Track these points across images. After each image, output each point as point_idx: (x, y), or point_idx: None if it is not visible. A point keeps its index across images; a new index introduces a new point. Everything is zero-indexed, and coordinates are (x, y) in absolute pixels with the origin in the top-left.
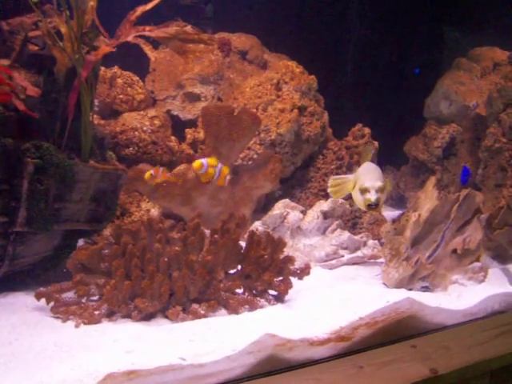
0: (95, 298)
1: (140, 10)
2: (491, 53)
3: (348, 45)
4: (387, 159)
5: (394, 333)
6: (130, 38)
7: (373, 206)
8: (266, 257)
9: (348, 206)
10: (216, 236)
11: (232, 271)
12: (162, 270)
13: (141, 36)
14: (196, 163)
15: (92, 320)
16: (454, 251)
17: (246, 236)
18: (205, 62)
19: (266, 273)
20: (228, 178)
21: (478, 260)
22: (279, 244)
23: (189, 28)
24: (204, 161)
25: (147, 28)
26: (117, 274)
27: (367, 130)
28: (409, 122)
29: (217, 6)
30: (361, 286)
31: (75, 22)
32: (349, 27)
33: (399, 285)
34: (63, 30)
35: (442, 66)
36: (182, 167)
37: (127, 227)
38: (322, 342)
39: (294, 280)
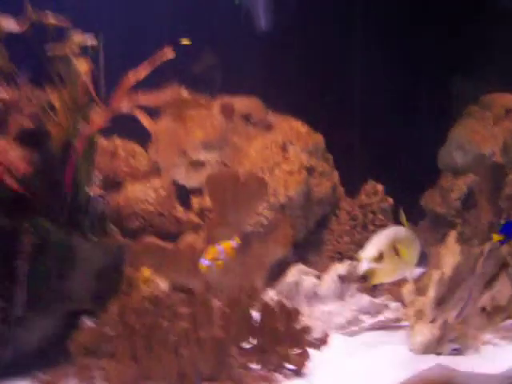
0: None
1: (132, 76)
2: (502, 99)
3: (355, 98)
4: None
5: None
6: (124, 109)
7: (362, 279)
8: (280, 328)
9: None
10: (226, 309)
11: (246, 346)
12: (169, 348)
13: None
14: (211, 251)
15: None
16: (483, 309)
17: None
18: (208, 127)
19: (281, 345)
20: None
21: (510, 317)
22: (294, 314)
23: (185, 92)
24: (220, 248)
25: (141, 96)
26: (122, 355)
27: (380, 187)
28: (421, 174)
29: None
30: (385, 353)
31: (68, 94)
32: (355, 81)
33: (427, 350)
34: (56, 103)
35: (451, 114)
36: (189, 238)
37: (132, 304)
38: None
39: (313, 352)
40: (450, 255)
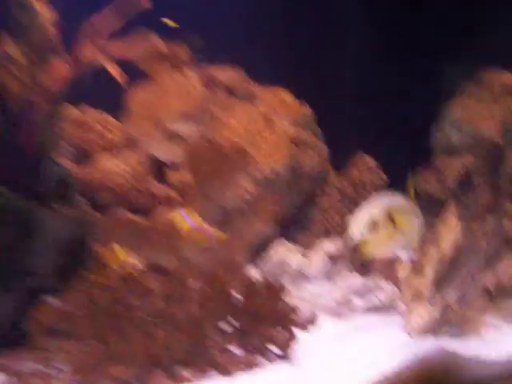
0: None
1: (97, 21)
2: (501, 77)
3: (347, 73)
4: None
5: None
6: (90, 59)
7: (355, 252)
8: (264, 307)
9: None
10: (204, 288)
11: (226, 327)
12: (140, 329)
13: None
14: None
15: None
16: (486, 290)
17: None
18: (186, 97)
19: (264, 326)
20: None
21: None
22: (279, 291)
23: (161, 44)
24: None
25: (110, 44)
26: (86, 336)
27: (372, 162)
28: (413, 152)
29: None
30: (379, 337)
31: (28, 45)
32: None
33: (425, 333)
34: (15, 55)
35: (443, 92)
36: (166, 213)
37: (101, 282)
38: None
39: (300, 334)
40: (450, 232)
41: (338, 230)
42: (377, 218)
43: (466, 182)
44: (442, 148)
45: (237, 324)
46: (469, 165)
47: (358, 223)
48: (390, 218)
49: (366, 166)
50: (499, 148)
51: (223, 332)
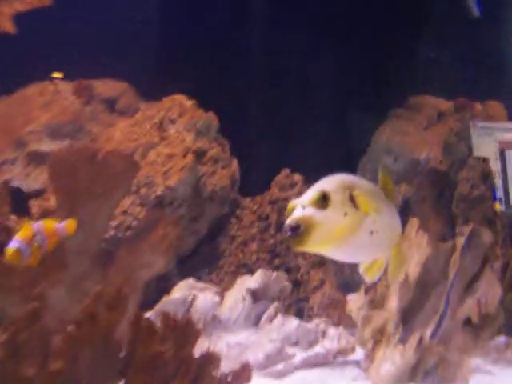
0: None
1: None
2: (432, 101)
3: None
4: None
5: None
6: None
7: (289, 233)
8: (166, 355)
9: (287, 283)
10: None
11: None
12: None
13: None
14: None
15: None
16: (468, 321)
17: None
18: (55, 110)
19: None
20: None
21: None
22: (190, 332)
23: None
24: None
25: None
26: None
27: (298, 177)
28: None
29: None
30: None
31: None
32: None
33: (398, 383)
34: None
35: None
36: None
37: None
38: None
39: None
40: (414, 249)
41: (259, 263)
42: (329, 191)
43: (405, 213)
44: (371, 176)
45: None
46: (406, 194)
47: (304, 198)
48: (351, 197)
49: (290, 181)
50: (443, 173)
51: None
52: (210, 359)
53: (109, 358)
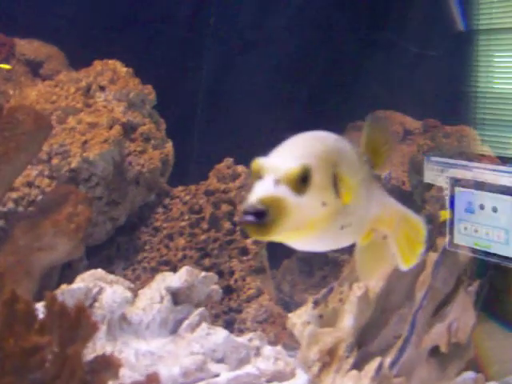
0: None
1: None
2: (396, 117)
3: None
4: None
5: None
6: None
7: (252, 218)
8: (45, 351)
9: (217, 287)
10: None
11: None
12: None
13: None
14: None
15: None
16: (435, 350)
17: None
18: None
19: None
20: None
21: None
22: (83, 324)
23: None
24: None
25: None
26: None
27: (242, 169)
28: None
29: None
30: None
31: None
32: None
33: None
34: None
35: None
36: None
37: None
38: None
39: None
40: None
41: (185, 262)
42: (309, 166)
43: None
44: None
45: None
46: None
47: (275, 164)
48: (334, 176)
49: (232, 172)
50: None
51: None
52: (107, 364)
53: None
